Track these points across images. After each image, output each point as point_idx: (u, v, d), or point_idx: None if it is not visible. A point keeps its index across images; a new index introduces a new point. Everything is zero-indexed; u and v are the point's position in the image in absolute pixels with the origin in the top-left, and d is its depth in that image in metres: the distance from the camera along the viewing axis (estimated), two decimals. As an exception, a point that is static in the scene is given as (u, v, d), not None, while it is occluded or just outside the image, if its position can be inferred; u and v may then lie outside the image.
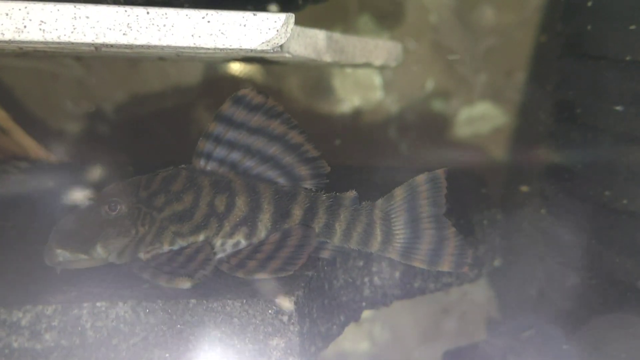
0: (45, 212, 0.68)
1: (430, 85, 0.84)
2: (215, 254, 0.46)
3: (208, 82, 0.83)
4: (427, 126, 0.84)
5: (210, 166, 0.49)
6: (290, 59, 0.59)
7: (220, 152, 0.48)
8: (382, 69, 0.82)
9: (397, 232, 0.49)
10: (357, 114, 0.85)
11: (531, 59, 0.81)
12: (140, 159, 0.84)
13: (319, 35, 0.59)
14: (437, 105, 0.84)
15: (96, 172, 0.79)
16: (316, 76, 0.84)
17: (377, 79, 0.85)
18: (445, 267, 0.49)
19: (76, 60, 0.82)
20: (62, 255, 0.47)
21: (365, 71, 0.84)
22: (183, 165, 0.50)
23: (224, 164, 0.49)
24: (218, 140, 0.48)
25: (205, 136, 0.49)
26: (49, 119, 0.85)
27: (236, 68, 0.83)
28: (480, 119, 0.85)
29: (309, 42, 0.57)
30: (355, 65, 0.76)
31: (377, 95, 0.83)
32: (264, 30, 0.46)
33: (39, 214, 0.69)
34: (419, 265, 0.49)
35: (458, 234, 0.49)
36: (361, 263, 0.58)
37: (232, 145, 0.49)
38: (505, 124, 0.84)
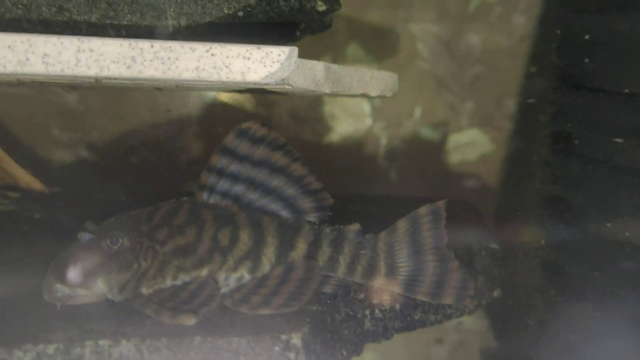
0: (40, 245, 0.67)
1: (418, 112, 0.85)
2: (219, 289, 0.45)
3: (201, 111, 0.83)
4: (416, 153, 0.84)
5: (213, 199, 0.48)
6: (288, 90, 0.59)
7: (223, 184, 0.48)
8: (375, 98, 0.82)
9: (401, 265, 0.49)
10: (345, 141, 0.85)
11: (521, 88, 0.82)
12: (132, 188, 0.84)
13: (317, 67, 0.59)
14: (426, 132, 0.84)
15: (88, 202, 0.78)
16: (305, 104, 0.84)
17: (365, 107, 0.85)
18: (448, 299, 0.49)
19: (70, 90, 0.82)
20: (61, 290, 0.45)
21: (354, 99, 0.84)
22: (185, 198, 0.49)
23: (227, 197, 0.48)
24: (221, 172, 0.48)
25: (208, 169, 0.48)
26: (38, 147, 0.84)
27: (229, 96, 0.83)
28: (469, 146, 0.85)
29: (308, 74, 0.57)
30: (351, 95, 0.76)
31: (366, 122, 0.84)
32: (267, 64, 0.47)
33: (33, 247, 0.68)
34: (422, 298, 0.49)
35: (460, 266, 0.49)
36: (362, 295, 0.58)
37: (235, 177, 0.48)
38: (494, 152, 0.84)
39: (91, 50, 0.45)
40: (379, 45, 0.81)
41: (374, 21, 0.81)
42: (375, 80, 0.75)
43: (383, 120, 0.83)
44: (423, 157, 0.85)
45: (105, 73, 0.45)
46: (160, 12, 0.57)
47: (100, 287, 0.45)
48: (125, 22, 0.56)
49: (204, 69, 0.46)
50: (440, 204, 0.49)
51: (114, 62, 0.45)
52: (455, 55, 0.81)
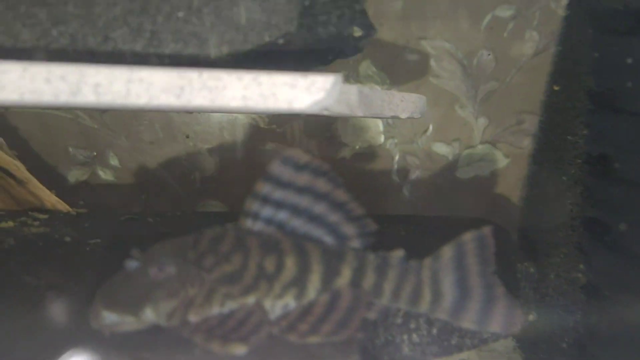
0: (79, 269, 0.67)
1: (431, 128, 0.84)
2: (268, 316, 0.45)
3: (217, 129, 0.84)
4: (429, 169, 0.84)
5: (258, 226, 0.48)
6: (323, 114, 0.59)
7: (267, 211, 0.48)
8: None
9: (446, 291, 0.48)
10: (358, 157, 0.85)
11: (539, 105, 0.81)
12: (156, 208, 0.84)
13: (351, 91, 0.60)
14: (439, 148, 0.84)
15: (116, 223, 0.79)
16: (318, 120, 0.85)
17: (378, 123, 0.85)
18: (495, 327, 0.48)
19: (92, 111, 0.83)
20: (109, 317, 0.46)
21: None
22: (229, 225, 0.49)
23: (271, 224, 0.48)
24: (265, 199, 0.48)
25: (253, 196, 0.48)
26: (60, 167, 0.85)
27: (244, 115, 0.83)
28: (482, 161, 0.85)
29: (343, 98, 0.57)
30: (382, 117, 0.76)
31: (379, 139, 0.84)
32: (313, 92, 0.47)
33: (71, 271, 0.68)
34: (468, 326, 0.49)
35: (508, 293, 0.49)
36: (399, 320, 0.58)
37: (279, 204, 0.48)
38: (508, 168, 0.84)
39: (141, 80, 0.45)
40: (392, 63, 0.82)
41: (386, 39, 0.81)
42: (405, 102, 0.76)
43: (396, 137, 0.83)
44: (436, 172, 0.84)
45: (155, 103, 0.46)
46: (203, 40, 0.58)
47: (148, 314, 0.45)
48: (168, 51, 0.57)
49: (251, 98, 0.46)
50: (486, 230, 0.49)
51: (164, 91, 0.46)
52: (468, 72, 0.81)
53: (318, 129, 0.85)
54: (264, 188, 0.48)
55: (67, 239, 0.75)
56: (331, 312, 0.45)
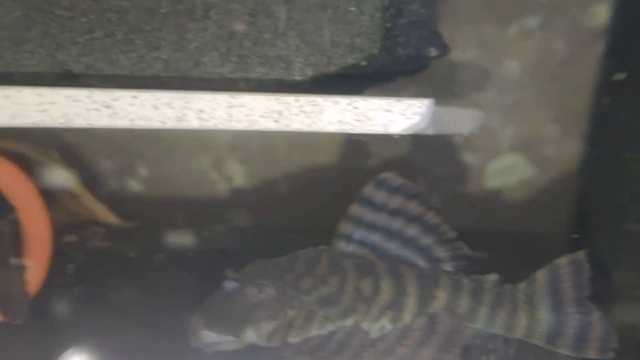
0: (155, 284, 0.69)
1: (459, 137, 0.84)
2: (371, 339, 0.46)
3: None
4: (456, 178, 0.83)
5: (351, 248, 0.49)
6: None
7: (360, 233, 0.49)
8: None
9: (542, 317, 0.48)
10: (384, 167, 0.85)
11: (570, 114, 0.80)
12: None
13: (441, 112, 0.60)
14: (466, 157, 0.84)
15: (170, 237, 0.80)
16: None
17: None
18: (591, 353, 0.47)
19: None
20: (209, 337, 0.47)
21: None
22: (322, 247, 0.50)
23: (364, 246, 0.49)
24: (359, 222, 0.49)
25: (347, 218, 0.49)
26: (109, 180, 0.86)
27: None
28: (509, 171, 0.83)
29: (434, 121, 0.57)
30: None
31: (405, 148, 0.83)
32: (408, 115, 0.47)
33: (148, 287, 0.70)
34: (564, 351, 0.48)
35: (604, 318, 0.48)
36: (479, 341, 0.57)
37: (372, 227, 0.49)
38: (536, 178, 0.82)
39: (242, 106, 0.47)
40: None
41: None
42: (469, 118, 0.75)
43: (424, 147, 0.83)
44: (463, 181, 0.84)
45: (254, 127, 0.47)
46: (288, 63, 0.59)
47: (250, 335, 0.46)
48: (255, 75, 0.58)
49: (347, 122, 0.47)
50: (581, 254, 0.48)
51: (263, 116, 0.47)
52: (494, 81, 0.80)
53: (345, 137, 0.85)
54: (358, 210, 0.49)
55: (132, 254, 0.77)
56: (430, 336, 0.45)
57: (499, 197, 0.77)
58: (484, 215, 0.73)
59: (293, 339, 0.46)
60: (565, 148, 0.79)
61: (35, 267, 0.58)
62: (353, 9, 0.59)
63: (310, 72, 0.59)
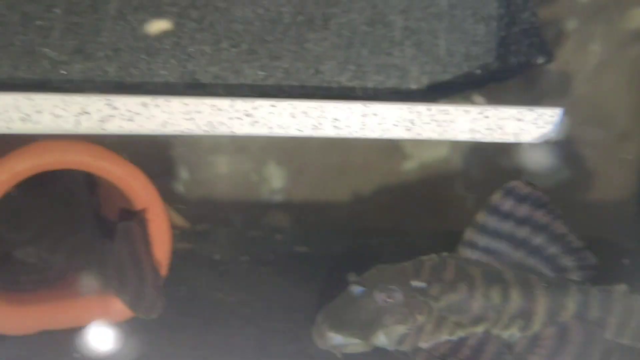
0: (251, 286, 0.71)
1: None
2: (505, 346, 0.46)
3: None
4: (494, 182, 0.82)
5: (476, 255, 0.49)
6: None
7: (486, 241, 0.49)
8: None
9: None
10: (422, 170, 0.85)
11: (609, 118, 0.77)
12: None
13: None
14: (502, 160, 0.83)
15: (245, 239, 0.82)
16: None
17: None
18: None
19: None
20: (335, 339, 0.48)
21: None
22: (445, 253, 0.51)
23: (490, 254, 0.49)
24: (485, 230, 0.49)
25: (473, 226, 0.49)
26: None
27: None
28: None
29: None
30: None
31: (444, 151, 0.83)
32: (540, 125, 0.48)
33: (246, 288, 0.71)
34: None
35: None
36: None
37: (498, 235, 0.49)
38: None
39: (375, 115, 0.48)
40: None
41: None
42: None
43: (460, 148, 0.82)
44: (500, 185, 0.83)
45: (387, 136, 0.48)
46: (404, 72, 0.60)
47: (380, 338, 0.47)
48: (371, 84, 0.60)
49: (478, 131, 0.48)
50: None
51: (395, 125, 0.48)
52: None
53: (382, 140, 0.85)
54: (485, 218, 0.49)
55: (217, 256, 0.79)
56: (563, 345, 0.45)
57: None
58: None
59: (423, 344, 0.47)
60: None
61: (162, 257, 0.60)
62: (469, 18, 0.59)
63: (425, 80, 0.60)
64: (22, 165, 0.55)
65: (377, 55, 0.59)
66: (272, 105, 0.47)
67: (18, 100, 0.44)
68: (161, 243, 0.61)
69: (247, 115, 0.47)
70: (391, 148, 0.84)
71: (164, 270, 0.61)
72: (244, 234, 0.84)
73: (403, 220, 0.81)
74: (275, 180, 0.83)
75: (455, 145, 0.81)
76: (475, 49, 0.60)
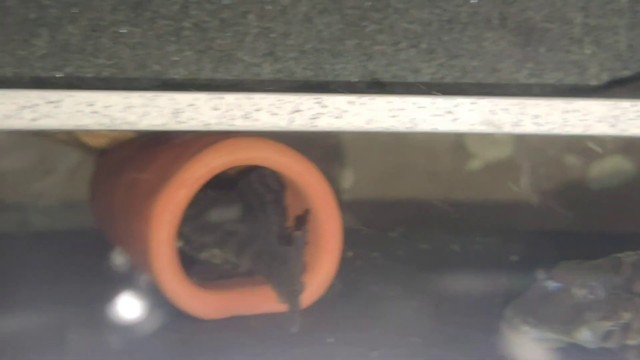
0: (398, 281, 0.72)
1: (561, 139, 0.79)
2: None
3: None
4: (559, 181, 0.79)
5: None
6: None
7: None
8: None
9: None
10: (487, 169, 0.82)
11: None
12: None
13: None
14: (569, 159, 0.79)
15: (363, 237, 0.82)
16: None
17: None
18: None
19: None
20: (532, 333, 0.48)
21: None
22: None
23: None
24: None
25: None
26: None
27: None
28: (613, 172, 0.78)
29: None
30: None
31: (507, 150, 0.80)
32: None
33: (397, 283, 0.73)
34: None
35: None
36: None
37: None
38: None
39: (576, 111, 0.48)
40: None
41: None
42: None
43: (524, 147, 0.79)
44: (567, 184, 0.80)
45: (589, 132, 0.48)
46: (583, 69, 0.59)
47: (584, 334, 0.47)
48: (550, 81, 0.60)
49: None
50: None
51: (599, 121, 0.48)
52: None
53: (445, 139, 0.83)
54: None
55: (350, 253, 0.80)
56: None
57: None
58: None
59: (631, 341, 0.46)
60: None
61: (329, 266, 0.63)
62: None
63: (605, 77, 0.59)
64: (218, 161, 0.59)
65: (555, 53, 0.59)
66: (473, 103, 0.48)
67: (240, 99, 0.47)
68: (333, 242, 0.63)
69: (448, 112, 0.48)
70: (456, 147, 0.84)
71: (334, 269, 0.63)
72: (359, 232, 0.87)
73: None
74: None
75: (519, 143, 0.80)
76: (659, 47, 0.58)
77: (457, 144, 0.84)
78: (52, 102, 0.44)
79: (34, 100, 0.44)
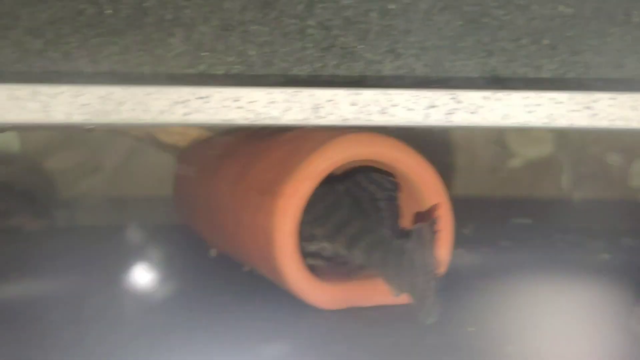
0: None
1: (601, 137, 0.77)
2: None
3: None
4: (600, 178, 0.75)
5: None
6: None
7: None
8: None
9: None
10: (526, 167, 0.80)
11: None
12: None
13: None
14: (611, 157, 0.76)
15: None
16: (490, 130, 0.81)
17: (548, 132, 0.80)
18: None
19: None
20: None
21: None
22: None
23: None
24: None
25: None
26: None
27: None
28: None
29: None
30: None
31: (548, 148, 0.77)
32: None
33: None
34: None
35: None
36: None
37: None
38: None
39: None
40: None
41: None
42: None
43: (565, 145, 0.76)
44: (608, 182, 0.77)
45: None
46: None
47: None
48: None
49: None
50: None
51: None
52: None
53: (486, 137, 0.82)
54: None
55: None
56: None
57: None
58: None
59: None
60: None
61: (442, 259, 0.63)
62: None
63: None
64: (339, 155, 0.60)
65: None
66: (612, 98, 0.48)
67: (377, 95, 0.48)
68: (445, 239, 0.63)
69: (587, 107, 0.48)
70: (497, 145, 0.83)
71: (444, 268, 0.63)
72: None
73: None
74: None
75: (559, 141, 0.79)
76: None
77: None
78: (202, 98, 0.47)
79: (186, 96, 0.46)
